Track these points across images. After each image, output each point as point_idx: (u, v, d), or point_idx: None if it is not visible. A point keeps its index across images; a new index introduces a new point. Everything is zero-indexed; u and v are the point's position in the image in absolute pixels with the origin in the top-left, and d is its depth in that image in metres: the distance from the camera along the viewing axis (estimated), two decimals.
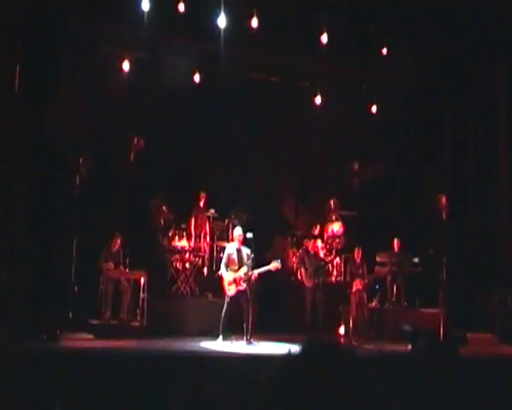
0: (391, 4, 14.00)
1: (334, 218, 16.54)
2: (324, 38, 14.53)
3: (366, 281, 14.30)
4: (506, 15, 13.52)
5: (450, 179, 15.76)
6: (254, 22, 13.88)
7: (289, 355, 1.91)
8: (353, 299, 14.09)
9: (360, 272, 14.27)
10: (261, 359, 10.49)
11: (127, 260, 13.45)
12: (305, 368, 1.86)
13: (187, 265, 14.69)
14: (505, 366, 9.89)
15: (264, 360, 10.18)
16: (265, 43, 14.47)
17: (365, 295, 14.28)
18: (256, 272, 12.36)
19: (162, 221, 14.91)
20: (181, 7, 13.44)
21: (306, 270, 13.78)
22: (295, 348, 1.93)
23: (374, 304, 14.57)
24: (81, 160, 12.96)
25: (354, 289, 14.13)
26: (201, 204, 15.42)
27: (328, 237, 16.25)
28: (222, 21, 13.54)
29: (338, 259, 16.09)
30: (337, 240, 16.24)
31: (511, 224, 14.95)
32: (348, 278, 14.42)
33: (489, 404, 7.57)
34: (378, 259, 15.02)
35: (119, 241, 13.42)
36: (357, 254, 14.36)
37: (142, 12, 13.12)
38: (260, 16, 13.85)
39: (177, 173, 15.15)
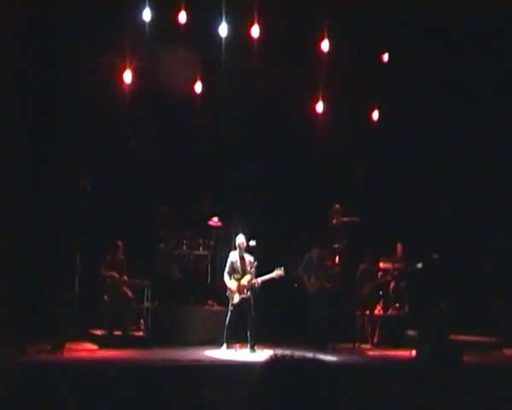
0: (392, 10, 14.02)
1: (337, 223, 16.49)
2: (325, 45, 14.53)
3: (375, 287, 14.31)
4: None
5: (453, 184, 15.74)
6: (255, 30, 13.87)
7: (256, 368, 2.00)
8: (362, 304, 14.10)
9: (370, 277, 14.28)
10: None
11: (130, 269, 13.44)
12: (269, 380, 1.94)
13: (190, 273, 14.66)
14: (508, 370, 9.89)
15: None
16: (267, 51, 14.49)
17: (374, 301, 14.29)
18: (260, 279, 12.36)
19: (166, 230, 14.90)
20: (182, 16, 13.45)
21: (310, 277, 13.76)
22: (261, 362, 2.03)
23: (377, 310, 14.54)
24: (84, 169, 12.99)
25: (363, 294, 14.13)
26: (204, 212, 15.41)
27: (331, 243, 16.20)
28: (223, 30, 13.55)
29: (341, 265, 16.04)
30: (340, 245, 16.19)
31: None
32: (357, 284, 14.37)
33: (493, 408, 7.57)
34: (382, 265, 14.99)
35: (121, 248, 13.39)
36: (369, 261, 14.32)
37: (144, 22, 13.14)
38: (261, 24, 13.86)
39: (180, 181, 15.16)
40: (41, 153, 12.51)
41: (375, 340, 14.13)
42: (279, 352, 2.11)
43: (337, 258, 15.94)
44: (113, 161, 14.60)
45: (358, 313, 14.24)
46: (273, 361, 2.05)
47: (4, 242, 11.02)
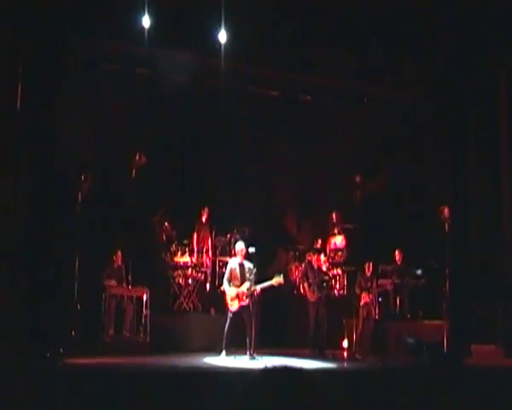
0: (390, 16, 14.01)
1: (336, 231, 16.55)
2: (325, 52, 14.54)
3: (374, 295, 14.30)
4: (508, 23, 13.53)
5: (453, 191, 15.73)
6: (255, 37, 13.87)
7: (253, 375, 2.02)
8: (361, 312, 14.09)
9: (369, 285, 14.27)
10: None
11: (129, 277, 13.45)
12: (265, 388, 1.95)
13: (189, 280, 14.67)
14: (509, 379, 9.85)
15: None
16: (266, 58, 14.50)
17: (373, 309, 14.26)
18: (259, 287, 12.33)
19: (164, 237, 14.92)
20: (181, 22, 13.44)
21: (310, 284, 13.74)
22: (257, 370, 2.05)
23: (377, 317, 14.53)
24: (82, 177, 12.98)
25: (362, 302, 14.12)
26: (203, 219, 15.44)
27: (330, 251, 16.25)
28: (222, 36, 13.55)
29: (340, 272, 16.07)
30: (339, 253, 16.24)
31: None
32: (356, 292, 14.37)
33: None
34: (381, 272, 15.00)
35: (120, 256, 13.42)
36: (368, 268, 14.32)
37: (143, 28, 13.14)
38: (261, 31, 13.86)
39: (178, 189, 15.17)
40: (39, 162, 12.48)
41: (376, 347, 14.11)
42: (272, 363, 2.13)
43: (336, 265, 15.98)
44: (111, 168, 14.60)
45: (358, 320, 14.21)
46: (267, 372, 2.06)
47: (2, 250, 11.00)
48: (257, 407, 1.95)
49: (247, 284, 12.27)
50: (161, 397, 8.37)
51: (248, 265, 12.43)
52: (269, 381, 2.01)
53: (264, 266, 13.35)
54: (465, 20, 13.49)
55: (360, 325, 14.03)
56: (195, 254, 14.97)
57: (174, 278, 14.60)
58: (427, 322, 14.64)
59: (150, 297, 13.23)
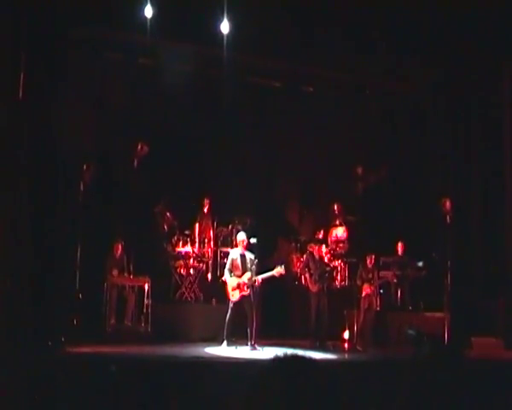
0: (394, 9, 13.99)
1: (337, 222, 16.52)
2: (327, 43, 14.50)
3: (376, 286, 14.31)
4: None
5: (455, 183, 15.73)
6: (257, 27, 13.84)
7: (262, 366, 2.04)
8: (362, 304, 14.09)
9: (371, 276, 14.28)
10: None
11: (131, 267, 13.46)
12: (274, 378, 1.97)
13: (191, 271, 14.68)
14: (510, 371, 9.86)
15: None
16: (268, 49, 14.47)
17: (374, 301, 14.27)
18: (260, 277, 12.35)
19: (166, 227, 14.92)
20: (184, 12, 13.41)
21: (311, 275, 13.74)
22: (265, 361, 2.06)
23: (378, 309, 14.54)
24: (85, 166, 12.99)
25: (364, 294, 14.12)
26: (205, 210, 15.43)
27: (331, 242, 16.22)
28: (225, 27, 13.51)
29: (342, 264, 16.06)
30: (341, 245, 16.21)
31: None
32: (357, 283, 14.38)
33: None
34: (382, 263, 15.00)
35: (120, 246, 13.41)
36: (370, 260, 14.31)
37: (146, 18, 13.12)
38: (262, 22, 13.82)
39: (180, 179, 15.16)
40: (42, 152, 12.49)
41: (377, 339, 14.12)
42: (283, 352, 2.12)
43: (337, 256, 15.97)
44: (114, 159, 14.60)
45: (359, 311, 14.22)
46: (277, 361, 2.06)
47: (4, 239, 11.00)
48: (265, 397, 1.96)
49: (248, 275, 12.29)
50: (162, 386, 8.40)
51: (250, 255, 12.45)
52: (278, 370, 2.02)
53: (265, 257, 13.36)
54: (468, 14, 13.47)
55: (361, 317, 14.03)
56: (197, 245, 14.98)
57: (176, 268, 14.61)
58: (428, 314, 14.63)
59: (152, 287, 13.25)
